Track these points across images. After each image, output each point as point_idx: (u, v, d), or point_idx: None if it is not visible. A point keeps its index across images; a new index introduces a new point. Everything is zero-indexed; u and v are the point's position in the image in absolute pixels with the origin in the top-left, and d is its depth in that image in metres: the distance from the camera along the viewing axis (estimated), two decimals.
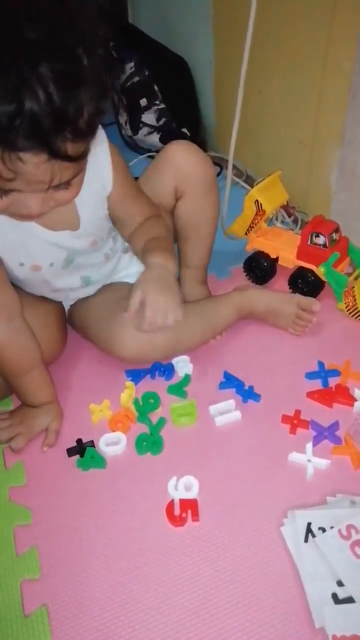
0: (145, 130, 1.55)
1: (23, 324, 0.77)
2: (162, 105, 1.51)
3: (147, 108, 1.52)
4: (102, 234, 0.82)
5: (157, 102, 1.51)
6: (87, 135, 0.55)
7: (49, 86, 0.48)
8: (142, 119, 1.53)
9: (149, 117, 1.53)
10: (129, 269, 0.93)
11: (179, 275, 1.00)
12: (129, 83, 1.53)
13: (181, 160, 0.87)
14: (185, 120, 1.54)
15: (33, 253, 0.76)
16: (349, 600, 0.60)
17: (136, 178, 1.00)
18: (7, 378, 0.79)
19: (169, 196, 0.90)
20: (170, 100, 1.51)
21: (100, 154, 0.75)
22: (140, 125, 1.54)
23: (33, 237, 0.74)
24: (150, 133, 1.54)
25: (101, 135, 0.74)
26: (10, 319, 0.76)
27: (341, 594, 0.61)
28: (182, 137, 1.48)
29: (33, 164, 0.52)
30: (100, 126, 0.72)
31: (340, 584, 0.62)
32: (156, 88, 1.51)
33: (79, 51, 0.50)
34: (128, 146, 1.62)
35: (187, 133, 1.52)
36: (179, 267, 0.99)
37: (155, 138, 1.54)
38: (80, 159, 0.56)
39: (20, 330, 0.77)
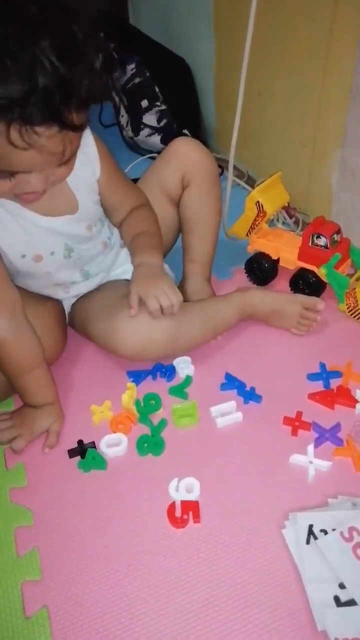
0: (146, 131, 1.55)
1: (26, 322, 0.78)
2: (163, 107, 1.51)
3: (148, 109, 1.52)
4: (95, 219, 0.85)
5: (158, 104, 1.51)
6: (87, 105, 0.59)
7: (54, 61, 0.52)
8: (143, 120, 1.53)
9: (150, 119, 1.53)
10: (127, 265, 0.93)
11: (184, 270, 1.01)
12: (130, 84, 1.53)
13: (187, 151, 0.93)
14: (187, 122, 1.54)
15: (34, 242, 0.78)
16: (351, 602, 0.60)
17: (136, 179, 1.01)
18: (9, 377, 0.79)
19: (176, 186, 0.95)
20: (171, 101, 1.51)
21: (87, 142, 0.79)
22: (142, 126, 1.54)
23: (33, 226, 0.76)
24: (151, 134, 1.54)
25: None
26: (13, 316, 0.76)
27: (343, 597, 0.61)
28: None
29: (46, 136, 0.55)
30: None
31: (342, 586, 0.62)
32: (157, 89, 1.51)
33: (75, 28, 0.54)
34: (129, 147, 1.62)
35: (188, 134, 1.52)
36: (184, 262, 1.01)
37: (156, 139, 1.54)
38: (83, 129, 0.60)
39: (23, 328, 0.77)
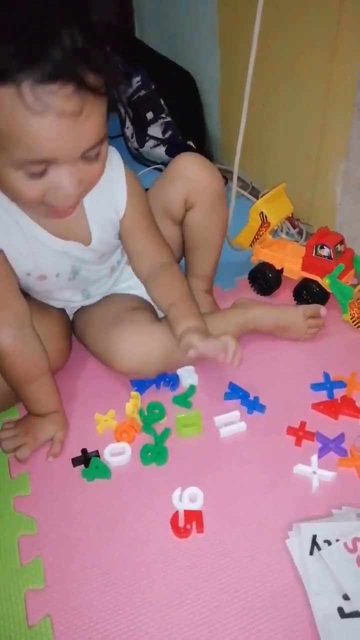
0: (151, 142, 1.56)
1: (33, 332, 0.78)
2: (168, 119, 1.53)
3: (153, 121, 1.54)
4: (111, 250, 0.84)
5: (163, 116, 1.53)
6: (103, 69, 0.55)
7: (70, 24, 0.51)
8: (149, 132, 1.55)
9: (155, 130, 1.55)
10: (132, 281, 0.94)
11: None
12: (135, 97, 1.55)
13: (191, 172, 0.88)
14: (191, 133, 1.56)
15: (41, 263, 0.77)
16: (355, 614, 0.60)
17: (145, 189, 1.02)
18: (15, 385, 0.79)
19: (179, 207, 0.91)
20: (176, 113, 1.53)
21: (116, 177, 0.77)
22: (147, 137, 1.56)
23: (43, 247, 0.75)
24: (156, 145, 1.56)
25: (117, 160, 0.77)
26: (22, 326, 0.77)
27: (347, 608, 0.60)
28: (188, 149, 1.49)
29: (62, 96, 0.52)
30: (117, 155, 0.77)
31: (346, 597, 0.61)
32: (162, 102, 1.53)
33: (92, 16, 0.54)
34: (134, 158, 1.64)
35: (193, 145, 1.54)
36: (186, 276, 1.00)
37: (161, 150, 1.56)
38: (101, 94, 0.57)
39: (30, 338, 0.78)
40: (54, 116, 0.53)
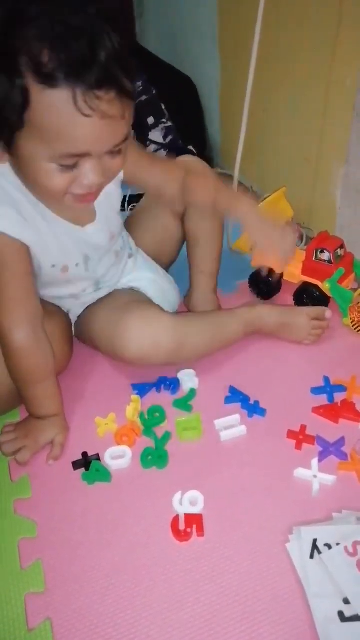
0: (152, 147, 1.57)
1: (44, 333, 0.79)
2: (169, 124, 1.54)
3: (154, 126, 1.55)
4: (116, 229, 0.87)
5: (164, 121, 1.54)
6: (134, 75, 0.62)
7: (109, 32, 0.57)
8: (150, 137, 1.56)
9: (156, 135, 1.55)
10: (133, 274, 0.96)
11: (191, 281, 1.03)
12: (136, 102, 1.55)
13: (191, 167, 0.94)
14: (192, 138, 1.57)
15: (65, 254, 0.80)
16: (356, 618, 0.60)
17: (141, 195, 1.03)
18: (21, 385, 0.80)
19: (180, 199, 0.95)
20: (177, 118, 1.54)
21: None
22: (148, 142, 1.56)
23: (66, 237, 0.78)
24: (157, 150, 1.56)
25: None
26: (36, 325, 0.77)
27: (347, 612, 0.60)
28: (189, 154, 1.50)
29: (107, 101, 0.58)
30: None
31: (346, 601, 0.61)
32: (163, 107, 1.53)
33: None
34: None
35: (194, 150, 1.54)
36: (192, 274, 1.02)
37: (162, 155, 1.56)
38: (134, 98, 0.63)
39: (42, 338, 0.78)
40: (97, 118, 0.59)
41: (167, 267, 1.06)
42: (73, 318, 0.95)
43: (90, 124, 0.59)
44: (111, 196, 0.84)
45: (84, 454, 0.80)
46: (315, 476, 0.75)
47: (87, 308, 0.94)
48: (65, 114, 0.58)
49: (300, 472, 0.76)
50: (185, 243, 1.03)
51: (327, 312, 0.97)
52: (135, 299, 0.92)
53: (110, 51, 0.57)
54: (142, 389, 0.89)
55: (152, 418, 0.85)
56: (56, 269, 0.81)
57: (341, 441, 0.80)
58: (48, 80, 0.56)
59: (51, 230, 0.76)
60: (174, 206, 0.96)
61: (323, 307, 0.98)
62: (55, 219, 0.76)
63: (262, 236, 0.91)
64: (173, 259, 1.07)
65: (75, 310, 0.94)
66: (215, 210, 0.95)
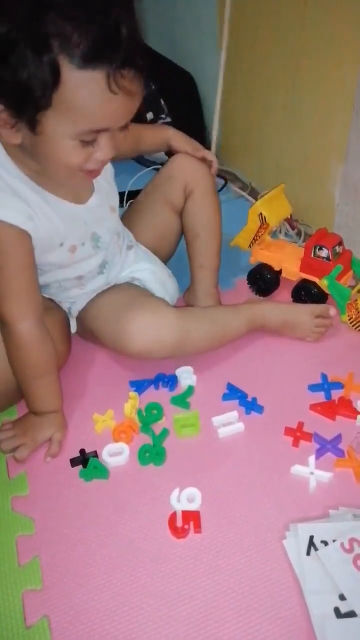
0: None
1: (46, 328, 0.79)
2: (168, 119, 1.53)
3: (153, 121, 1.54)
4: (115, 202, 0.89)
5: (163, 116, 1.53)
6: (144, 53, 0.64)
7: (124, 9, 0.60)
8: None
9: None
10: (134, 266, 0.96)
11: (192, 276, 1.03)
12: None
13: (188, 163, 0.98)
14: (191, 134, 1.55)
15: (70, 233, 0.80)
16: (351, 614, 0.60)
17: (139, 191, 1.03)
18: (23, 379, 0.80)
19: (179, 195, 0.99)
20: (176, 114, 1.53)
21: None
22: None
23: (71, 216, 0.80)
24: None
25: None
26: (39, 318, 0.78)
27: (343, 608, 0.61)
28: None
29: (129, 79, 0.62)
30: None
31: (342, 598, 0.61)
32: (162, 102, 1.53)
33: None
34: (134, 159, 1.64)
35: None
36: (193, 269, 1.03)
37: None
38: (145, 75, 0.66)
39: (46, 332, 0.79)
40: (122, 95, 0.62)
41: (165, 262, 1.06)
42: (75, 313, 0.95)
43: (116, 100, 0.62)
44: (105, 169, 0.85)
45: (82, 451, 0.80)
46: (312, 473, 0.75)
47: (90, 302, 0.93)
48: (95, 92, 0.60)
49: (297, 469, 0.76)
50: (183, 237, 1.04)
51: (331, 310, 0.97)
52: (139, 293, 0.93)
53: (130, 32, 0.60)
54: (139, 386, 0.89)
55: (149, 415, 0.85)
56: (64, 248, 0.81)
57: (338, 438, 0.80)
58: (80, 60, 0.58)
59: (56, 213, 0.77)
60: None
61: (327, 305, 0.98)
62: (57, 201, 0.77)
63: (191, 147, 0.99)
64: (171, 254, 1.07)
65: (79, 301, 0.94)
66: (143, 146, 1.00)
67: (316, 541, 0.66)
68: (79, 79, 0.59)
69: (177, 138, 1.01)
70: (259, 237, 1.10)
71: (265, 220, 1.07)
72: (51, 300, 0.92)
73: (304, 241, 1.23)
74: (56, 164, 0.68)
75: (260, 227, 1.08)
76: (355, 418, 0.84)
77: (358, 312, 0.98)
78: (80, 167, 0.69)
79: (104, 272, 0.92)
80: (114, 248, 0.92)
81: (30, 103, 0.61)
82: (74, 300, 0.93)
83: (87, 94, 0.60)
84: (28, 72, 0.58)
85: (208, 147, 1.61)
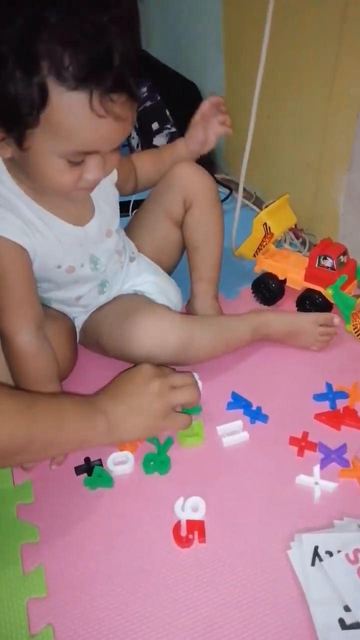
0: None
1: (46, 337, 0.80)
2: (174, 129, 1.54)
3: (158, 132, 1.55)
4: (113, 226, 0.88)
5: (169, 126, 1.54)
6: (140, 79, 0.66)
7: (120, 36, 0.59)
8: (154, 142, 1.56)
9: (160, 141, 1.56)
10: (136, 279, 0.96)
11: (192, 289, 1.03)
12: (141, 107, 1.56)
13: (188, 174, 0.97)
14: None
15: (68, 254, 0.81)
16: (356, 626, 0.60)
17: (140, 201, 1.04)
18: (24, 389, 0.80)
19: (178, 208, 0.98)
20: (181, 124, 1.54)
21: None
22: (152, 148, 1.57)
23: (69, 238, 0.80)
24: None
25: None
26: (39, 329, 0.78)
27: (348, 620, 0.60)
28: None
29: (119, 104, 0.61)
30: None
31: (347, 609, 0.61)
32: (167, 113, 1.54)
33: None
34: None
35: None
36: (192, 281, 1.03)
37: None
38: (138, 100, 0.66)
39: (46, 342, 0.80)
40: (110, 119, 0.62)
41: (169, 273, 1.06)
42: (79, 325, 0.96)
43: (103, 125, 0.62)
44: (108, 194, 0.86)
45: (87, 459, 0.80)
46: (316, 483, 0.75)
47: (94, 312, 0.94)
48: (82, 115, 0.60)
49: (302, 479, 0.76)
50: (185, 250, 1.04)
51: (336, 319, 0.97)
52: (142, 300, 0.94)
53: (123, 56, 0.59)
54: None
55: None
56: (62, 269, 0.82)
57: (343, 448, 0.80)
58: (68, 82, 0.58)
59: (52, 233, 0.77)
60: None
61: (331, 314, 0.98)
62: (55, 220, 0.77)
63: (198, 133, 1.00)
64: (174, 265, 1.07)
65: (81, 317, 0.95)
66: (167, 167, 0.99)
67: (321, 552, 0.66)
68: (66, 101, 0.59)
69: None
70: (264, 246, 1.11)
71: (269, 230, 1.08)
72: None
73: (308, 251, 1.24)
74: (47, 179, 0.68)
75: (264, 236, 1.09)
76: None
77: None
78: (71, 186, 0.69)
79: (104, 292, 0.93)
80: (115, 266, 0.92)
81: (17, 119, 0.61)
82: (76, 315, 0.94)
83: (74, 116, 0.61)
84: (16, 90, 0.59)
85: (212, 157, 1.63)
